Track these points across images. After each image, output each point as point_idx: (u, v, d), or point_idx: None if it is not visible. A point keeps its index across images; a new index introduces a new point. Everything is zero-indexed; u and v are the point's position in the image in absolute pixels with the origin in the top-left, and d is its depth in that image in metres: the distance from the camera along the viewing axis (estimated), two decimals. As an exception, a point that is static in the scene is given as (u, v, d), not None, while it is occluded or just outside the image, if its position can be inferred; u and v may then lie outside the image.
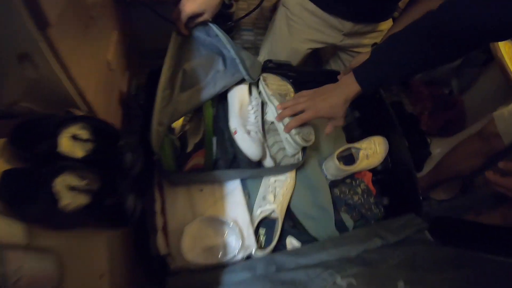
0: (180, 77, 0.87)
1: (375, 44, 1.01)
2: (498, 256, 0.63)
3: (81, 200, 0.60)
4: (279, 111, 0.86)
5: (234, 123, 0.90)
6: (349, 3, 0.98)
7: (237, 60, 0.88)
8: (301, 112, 0.81)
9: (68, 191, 0.60)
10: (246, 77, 0.90)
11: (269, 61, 1.04)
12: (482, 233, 0.94)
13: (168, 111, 0.83)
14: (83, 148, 0.66)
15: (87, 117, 0.66)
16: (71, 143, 0.64)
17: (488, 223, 0.97)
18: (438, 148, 1.32)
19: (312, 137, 0.90)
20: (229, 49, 0.88)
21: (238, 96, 0.94)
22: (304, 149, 0.93)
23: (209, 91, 0.92)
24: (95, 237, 0.61)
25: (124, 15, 0.89)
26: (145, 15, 1.01)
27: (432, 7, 0.95)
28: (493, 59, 1.39)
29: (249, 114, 0.92)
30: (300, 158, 0.92)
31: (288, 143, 0.89)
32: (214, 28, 0.89)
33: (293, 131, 0.85)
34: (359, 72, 0.80)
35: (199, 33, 0.90)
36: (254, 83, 0.99)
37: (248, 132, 0.89)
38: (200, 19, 0.84)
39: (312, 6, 1.04)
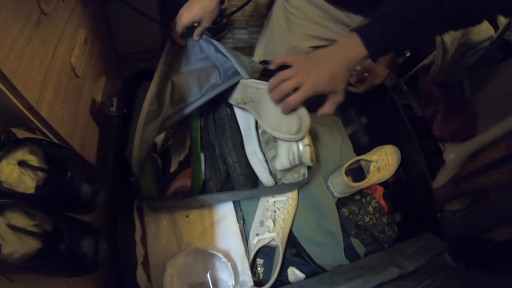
0: (169, 90, 0.76)
1: None
2: None
3: (30, 245, 0.48)
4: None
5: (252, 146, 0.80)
6: None
7: (236, 63, 0.76)
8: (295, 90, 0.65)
9: (13, 233, 0.47)
10: (246, 77, 0.78)
11: (265, 61, 0.92)
12: (506, 254, 0.83)
13: (153, 127, 0.72)
14: (34, 177, 0.53)
15: (35, 139, 0.53)
16: (18, 172, 0.51)
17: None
18: (451, 154, 1.21)
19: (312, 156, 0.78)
20: (225, 53, 0.78)
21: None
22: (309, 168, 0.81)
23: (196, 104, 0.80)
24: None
25: (96, 11, 0.76)
26: (123, 11, 0.89)
27: None
28: (509, 57, 1.27)
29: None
30: (306, 175, 0.80)
31: (291, 152, 0.75)
32: (208, 38, 0.81)
33: (302, 143, 0.71)
34: (365, 31, 0.64)
35: (192, 45, 0.82)
36: None
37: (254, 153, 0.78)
38: (199, 28, 0.77)
39: None
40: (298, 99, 0.63)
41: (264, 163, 0.77)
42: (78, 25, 0.68)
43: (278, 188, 0.80)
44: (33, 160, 0.52)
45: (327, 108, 0.66)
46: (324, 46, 1.04)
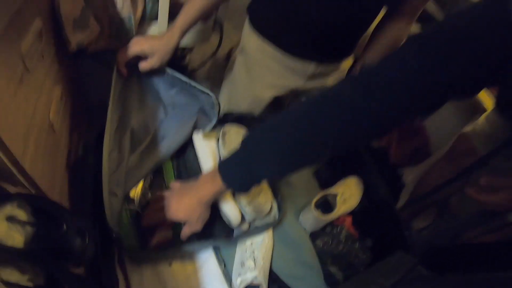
0: (128, 136, 0.78)
1: None
2: (503, 273, 0.57)
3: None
4: None
5: None
6: (312, 43, 0.96)
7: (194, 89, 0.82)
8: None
9: (5, 290, 0.45)
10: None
11: (230, 114, 0.98)
12: (477, 253, 0.90)
13: (119, 178, 0.72)
14: (22, 232, 0.52)
15: (22, 195, 0.53)
16: (6, 227, 0.50)
17: (482, 242, 0.95)
18: (409, 176, 1.33)
19: (267, 208, 0.84)
20: (184, 80, 0.82)
21: (209, 153, 0.86)
22: (280, 205, 0.87)
23: (162, 146, 0.82)
24: None
25: (69, 67, 0.79)
26: (93, 67, 0.92)
27: (399, 34, 0.98)
28: None
29: None
30: (277, 217, 0.84)
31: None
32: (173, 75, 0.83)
33: (243, 201, 0.79)
34: (226, 165, 0.64)
35: (144, 81, 0.84)
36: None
37: None
38: (147, 63, 0.79)
39: (272, 50, 1.00)
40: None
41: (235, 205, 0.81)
42: (54, 81, 0.70)
43: (254, 231, 0.84)
44: (21, 215, 0.52)
45: (184, 232, 0.71)
46: (283, 95, 1.15)
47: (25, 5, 0.55)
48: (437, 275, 0.71)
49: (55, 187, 0.69)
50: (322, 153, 0.59)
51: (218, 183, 0.64)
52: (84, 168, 0.80)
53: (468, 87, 0.52)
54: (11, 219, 0.51)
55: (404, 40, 0.99)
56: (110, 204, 0.67)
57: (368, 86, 0.52)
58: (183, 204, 0.68)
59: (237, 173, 0.62)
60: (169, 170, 0.87)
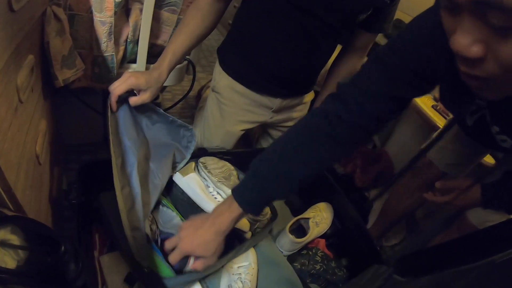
0: (136, 170, 0.78)
1: None
2: (471, 263, 0.64)
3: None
4: None
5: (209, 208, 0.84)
6: (277, 81, 1.06)
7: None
8: None
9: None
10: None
11: (203, 149, 1.04)
12: (445, 252, 0.97)
13: (137, 213, 0.70)
14: (15, 257, 0.52)
15: (19, 218, 0.54)
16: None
17: (445, 241, 1.03)
18: (376, 198, 1.43)
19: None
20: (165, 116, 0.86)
21: (195, 183, 0.89)
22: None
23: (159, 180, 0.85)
24: None
25: (52, 103, 0.82)
26: (70, 106, 0.95)
27: (353, 67, 1.11)
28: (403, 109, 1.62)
29: (215, 196, 0.88)
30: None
31: None
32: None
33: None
34: (240, 192, 0.68)
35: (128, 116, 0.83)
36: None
37: None
38: (139, 98, 0.82)
39: (241, 88, 1.08)
40: (173, 258, 0.69)
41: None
42: (41, 116, 0.72)
43: (255, 237, 0.86)
44: (14, 240, 0.52)
45: (197, 265, 0.70)
46: (252, 128, 1.23)
47: (22, 42, 0.59)
48: (412, 279, 0.76)
49: (40, 218, 0.69)
50: (318, 170, 0.70)
51: (235, 210, 0.67)
52: (67, 202, 0.80)
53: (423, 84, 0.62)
54: (3, 244, 0.51)
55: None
56: (134, 239, 0.64)
57: (346, 102, 0.64)
58: (199, 238, 0.67)
59: (252, 198, 0.67)
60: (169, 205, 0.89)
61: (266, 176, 0.67)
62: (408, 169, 0.92)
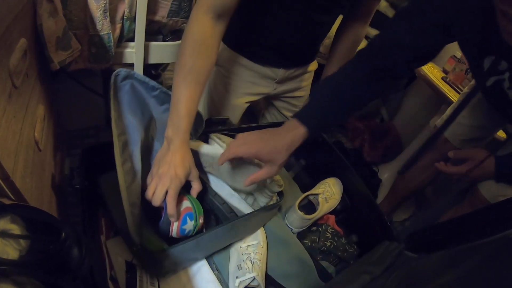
0: (139, 148, 0.75)
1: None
2: (485, 238, 0.63)
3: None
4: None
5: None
6: (280, 53, 1.04)
7: None
8: None
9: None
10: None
11: (209, 119, 1.02)
12: (457, 227, 0.96)
13: (136, 189, 0.70)
14: (16, 246, 0.51)
15: (18, 206, 0.53)
16: (0, 242, 0.49)
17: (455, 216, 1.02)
18: (385, 174, 1.41)
19: (276, 188, 0.86)
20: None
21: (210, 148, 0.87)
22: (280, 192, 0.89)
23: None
24: None
25: (50, 87, 0.79)
26: (70, 90, 0.93)
27: (357, 36, 1.08)
28: (412, 81, 1.58)
29: None
30: (279, 199, 0.88)
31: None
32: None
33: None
34: (304, 115, 0.74)
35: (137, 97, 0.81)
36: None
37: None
38: (196, 186, 0.76)
39: (244, 60, 1.07)
40: (239, 152, 0.70)
41: (243, 200, 0.83)
42: (38, 101, 0.71)
43: (260, 212, 0.83)
44: (15, 229, 0.51)
45: (258, 175, 0.71)
46: (257, 102, 1.20)
47: (12, 24, 0.56)
48: (423, 255, 0.75)
49: (43, 205, 0.68)
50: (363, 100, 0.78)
51: (301, 129, 0.72)
52: (71, 187, 0.79)
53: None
54: (3, 234, 0.50)
55: (361, 41, 1.12)
56: (133, 215, 0.65)
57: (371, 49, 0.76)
58: (272, 143, 0.70)
59: (315, 118, 0.73)
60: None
61: (328, 97, 0.75)
62: (426, 148, 0.88)
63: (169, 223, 0.71)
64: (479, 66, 0.74)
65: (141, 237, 0.69)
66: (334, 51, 1.14)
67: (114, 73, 0.70)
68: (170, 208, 0.67)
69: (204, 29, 0.75)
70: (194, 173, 0.75)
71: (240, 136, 0.74)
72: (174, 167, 0.70)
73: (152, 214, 0.75)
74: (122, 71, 0.71)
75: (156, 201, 0.68)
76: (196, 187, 0.76)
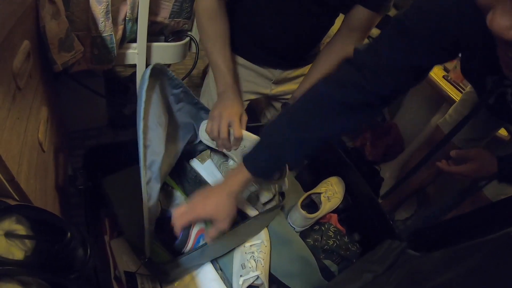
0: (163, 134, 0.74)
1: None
2: (486, 236, 0.63)
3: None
4: None
5: None
6: (275, 55, 1.06)
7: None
8: None
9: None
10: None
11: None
12: (459, 225, 0.96)
13: (155, 207, 0.69)
14: (22, 247, 0.52)
15: (23, 207, 0.53)
16: (5, 242, 0.50)
17: (457, 215, 1.02)
18: (387, 172, 1.41)
19: (269, 195, 0.87)
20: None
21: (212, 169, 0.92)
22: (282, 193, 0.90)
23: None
24: None
25: (52, 89, 0.80)
26: (72, 91, 0.93)
27: (343, 53, 1.00)
28: None
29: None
30: (281, 199, 0.88)
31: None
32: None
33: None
34: (249, 158, 0.70)
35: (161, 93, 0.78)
36: None
37: None
38: (213, 231, 0.71)
39: (241, 60, 1.09)
40: (183, 221, 0.67)
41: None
42: (41, 103, 0.71)
43: (264, 215, 0.84)
44: (20, 230, 0.52)
45: (211, 233, 0.69)
46: (257, 102, 1.21)
47: (15, 27, 0.57)
48: (425, 254, 0.75)
49: (47, 206, 0.69)
50: (328, 138, 0.71)
51: (245, 173, 0.68)
52: (74, 188, 0.80)
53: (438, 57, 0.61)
54: (9, 234, 0.51)
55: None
56: (150, 233, 0.64)
57: (361, 69, 0.62)
58: (211, 200, 0.68)
59: (262, 161, 0.69)
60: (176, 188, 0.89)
61: (275, 140, 0.68)
62: (433, 153, 0.88)
63: (184, 243, 0.74)
64: (482, 85, 0.71)
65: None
66: (313, 70, 1.07)
67: (149, 67, 0.67)
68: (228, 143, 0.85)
69: (211, 1, 0.89)
70: (244, 117, 0.88)
71: (193, 197, 0.71)
72: (232, 107, 0.85)
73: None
74: (158, 65, 0.69)
75: (223, 134, 0.82)
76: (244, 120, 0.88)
